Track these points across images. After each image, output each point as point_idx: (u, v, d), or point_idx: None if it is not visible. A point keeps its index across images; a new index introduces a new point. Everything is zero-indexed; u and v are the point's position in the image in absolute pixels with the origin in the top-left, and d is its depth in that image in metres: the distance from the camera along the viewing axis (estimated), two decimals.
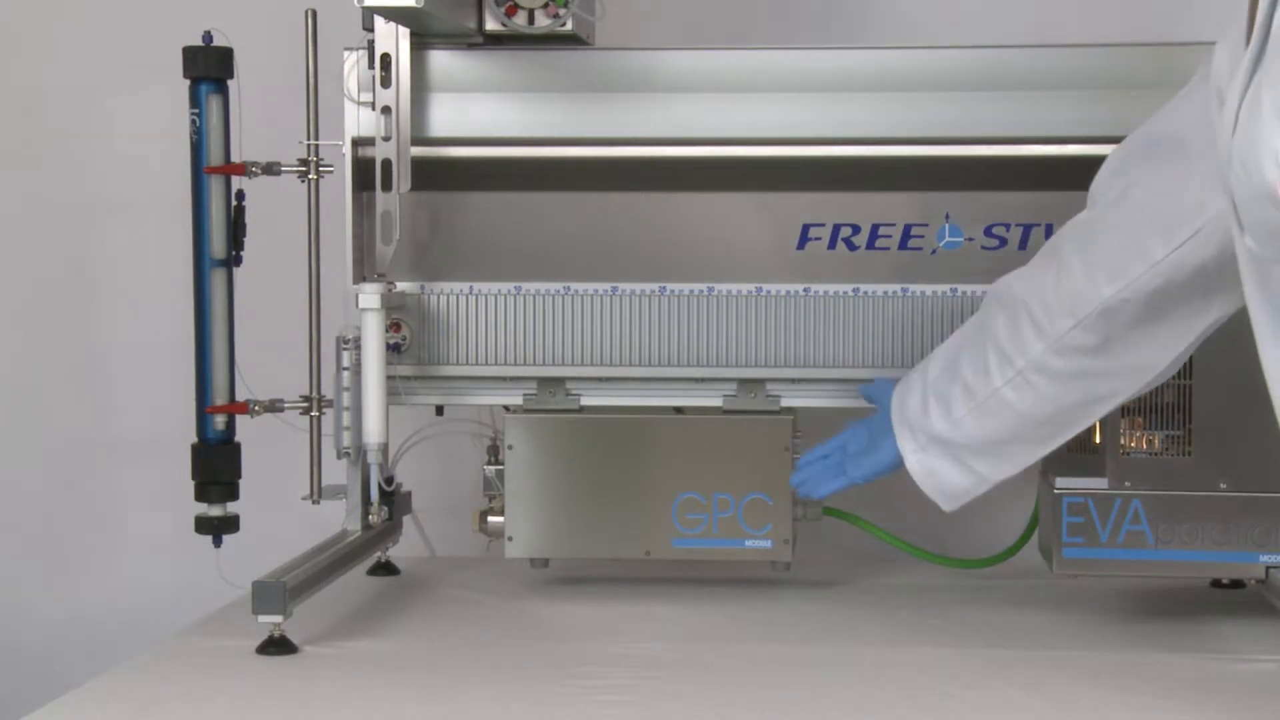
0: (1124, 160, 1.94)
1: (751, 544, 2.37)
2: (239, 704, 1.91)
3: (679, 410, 2.42)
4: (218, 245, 2.38)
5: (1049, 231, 2.27)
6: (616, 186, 2.38)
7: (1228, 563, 2.25)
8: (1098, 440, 2.25)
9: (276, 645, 2.08)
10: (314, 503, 2.41)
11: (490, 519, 2.44)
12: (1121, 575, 2.28)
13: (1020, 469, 2.10)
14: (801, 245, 2.36)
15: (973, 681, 1.99)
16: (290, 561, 2.18)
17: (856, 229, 2.35)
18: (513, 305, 2.39)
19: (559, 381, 2.41)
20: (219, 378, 2.39)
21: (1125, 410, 2.16)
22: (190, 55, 2.35)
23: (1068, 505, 2.25)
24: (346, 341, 2.35)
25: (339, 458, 2.38)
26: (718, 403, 2.40)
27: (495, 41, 2.37)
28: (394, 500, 2.48)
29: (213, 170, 2.36)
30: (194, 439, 2.40)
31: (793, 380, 2.39)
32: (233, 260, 2.39)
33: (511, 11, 2.31)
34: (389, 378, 2.34)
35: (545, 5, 2.30)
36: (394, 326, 2.39)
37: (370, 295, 2.30)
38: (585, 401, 2.41)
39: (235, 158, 2.37)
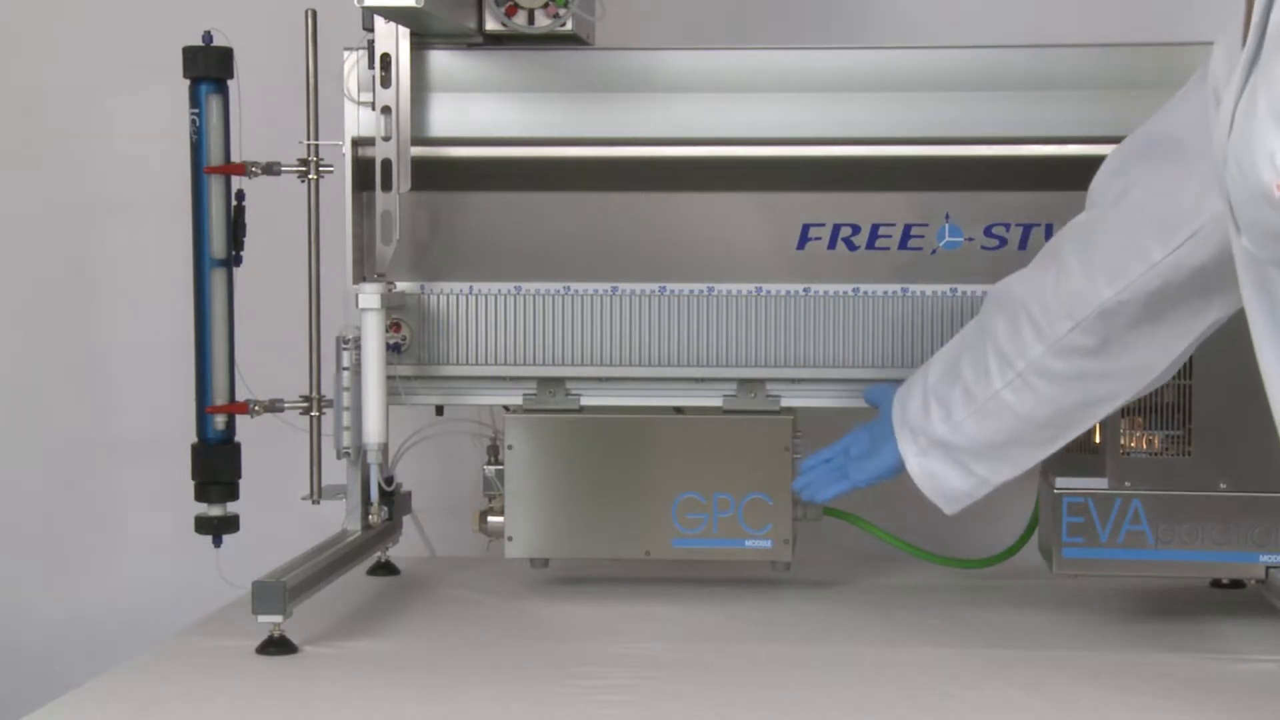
0: (1122, 161, 1.94)
1: (751, 544, 2.37)
2: (239, 704, 1.91)
3: (679, 410, 2.42)
4: (218, 245, 2.38)
5: (1049, 231, 2.27)
6: (616, 186, 2.38)
7: (1228, 563, 2.25)
8: (1098, 440, 2.25)
9: (276, 645, 2.08)
10: (314, 503, 2.41)
11: (490, 519, 2.44)
12: (1121, 575, 2.28)
13: (1021, 471, 2.10)
14: (801, 245, 2.36)
15: (973, 681, 1.99)
16: (290, 561, 2.18)
17: (856, 229, 2.35)
18: (513, 305, 2.39)
19: (559, 381, 2.41)
20: (219, 378, 2.39)
21: (1125, 410, 2.16)
22: (190, 55, 2.35)
23: (1068, 505, 2.25)
24: (346, 341, 2.35)
25: (339, 458, 2.38)
26: (718, 403, 2.40)
27: (495, 41, 2.37)
28: (394, 500, 2.48)
29: (213, 170, 2.36)
30: (194, 439, 2.40)
31: (793, 380, 2.39)
32: (233, 260, 2.39)
33: (511, 11, 2.31)
34: (389, 378, 2.34)
35: (545, 5, 2.30)
36: (394, 326, 2.39)
37: (370, 295, 2.30)
38: (585, 401, 2.41)
39: (235, 158, 2.37)
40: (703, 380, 2.39)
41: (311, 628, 2.17)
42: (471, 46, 2.37)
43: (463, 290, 2.40)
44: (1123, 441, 2.25)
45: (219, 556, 2.37)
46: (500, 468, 2.41)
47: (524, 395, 2.41)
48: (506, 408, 2.42)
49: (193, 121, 2.36)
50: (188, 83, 2.36)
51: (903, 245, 2.35)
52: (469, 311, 2.40)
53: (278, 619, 2.07)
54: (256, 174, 2.36)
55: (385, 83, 2.32)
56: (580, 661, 2.06)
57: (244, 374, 2.41)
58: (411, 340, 2.40)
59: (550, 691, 1.94)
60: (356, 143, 2.38)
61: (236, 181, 2.38)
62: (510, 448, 2.39)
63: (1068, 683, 1.98)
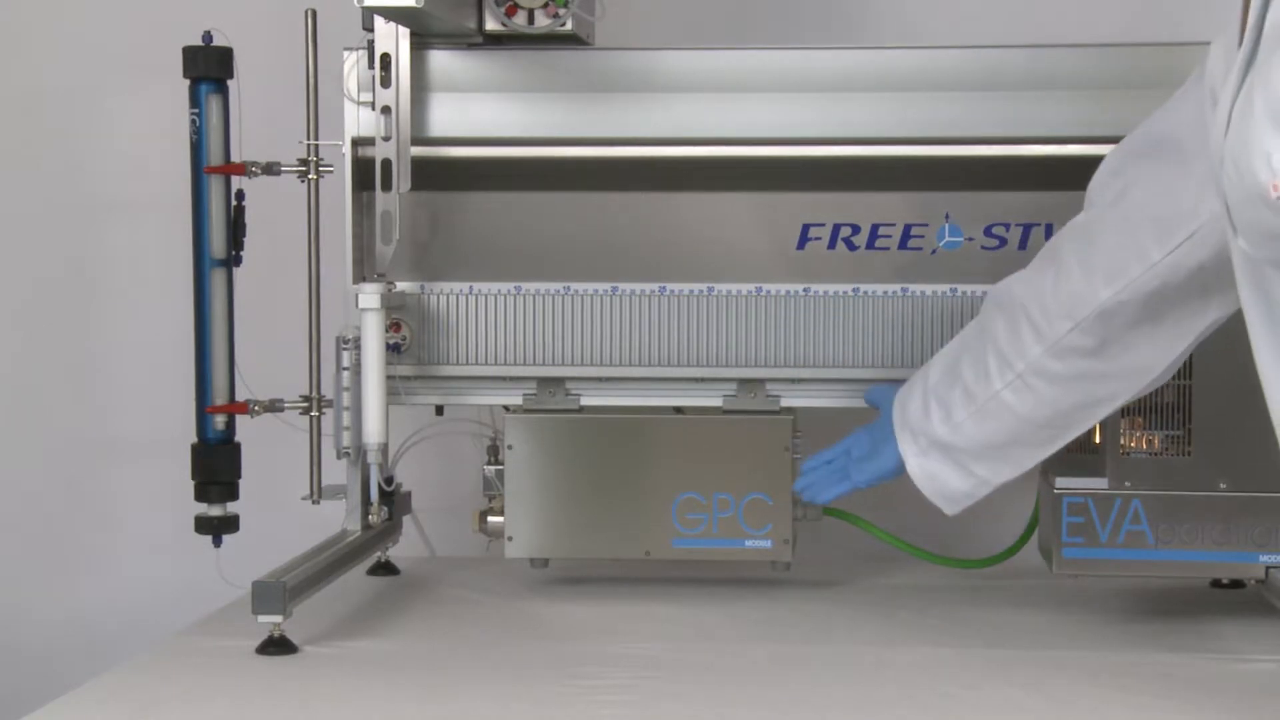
0: (1121, 161, 1.94)
1: (751, 544, 2.37)
2: (239, 704, 1.91)
3: (679, 410, 2.42)
4: (218, 245, 2.38)
5: (1049, 231, 2.27)
6: (616, 186, 2.38)
7: (1228, 563, 2.25)
8: (1098, 440, 2.25)
9: (276, 645, 2.08)
10: (314, 503, 2.41)
11: (490, 519, 2.44)
12: (1121, 575, 2.28)
13: (1021, 471, 2.10)
14: (801, 245, 2.36)
15: (973, 681, 1.99)
16: (290, 561, 2.18)
17: (856, 229, 2.35)
18: (513, 305, 2.39)
19: (559, 381, 2.41)
20: (219, 378, 2.39)
21: (1125, 410, 2.16)
22: (190, 55, 2.35)
23: (1068, 505, 2.25)
24: (346, 341, 2.35)
25: (339, 458, 2.38)
26: (718, 403, 2.40)
27: (495, 41, 2.37)
28: (394, 500, 2.48)
29: (213, 170, 2.36)
30: (194, 439, 2.40)
31: (793, 380, 2.39)
32: (233, 260, 2.39)
33: (511, 11, 2.31)
34: (389, 378, 2.34)
35: (545, 5, 2.30)
36: (394, 326, 2.39)
37: (370, 295, 2.30)
38: (585, 401, 2.41)
39: (235, 158, 2.37)
40: (703, 380, 2.39)
41: (311, 628, 2.17)
42: (471, 46, 2.37)
43: (463, 290, 2.40)
44: (1123, 441, 2.25)
45: (219, 556, 2.37)
46: (500, 468, 2.41)
47: (524, 395, 2.41)
48: (506, 408, 2.42)
49: (193, 121, 2.36)
50: (188, 83, 2.36)
51: (903, 245, 2.35)
52: (469, 311, 2.40)
53: (278, 619, 2.07)
54: (256, 174, 2.36)
55: (385, 83, 2.32)
56: (580, 661, 2.06)
57: (244, 374, 2.41)
58: (411, 340, 2.40)
59: (550, 691, 1.94)
60: (356, 143, 2.38)
61: (236, 181, 2.38)
62: (510, 448, 2.39)
63: (1068, 683, 1.98)
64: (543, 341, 2.39)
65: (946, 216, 2.34)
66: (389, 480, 2.43)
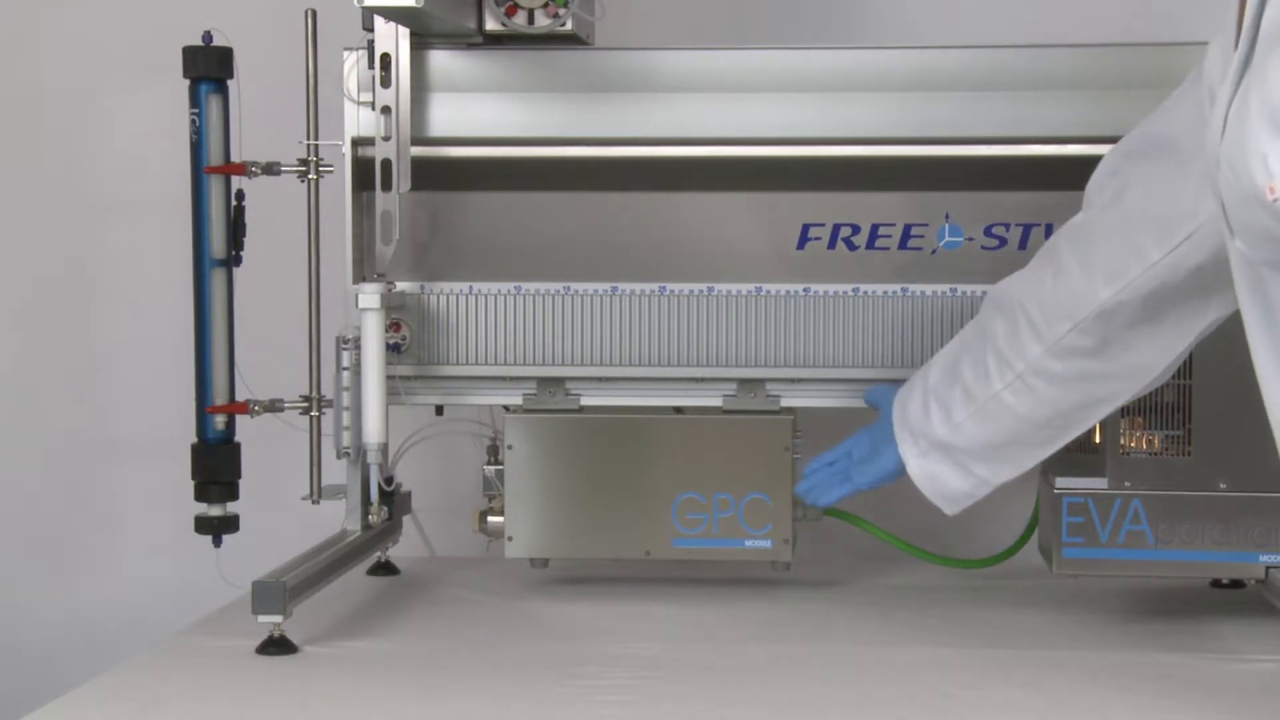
0: (1119, 161, 1.93)
1: (751, 544, 2.37)
2: (239, 704, 1.91)
3: (679, 410, 2.42)
4: (218, 245, 2.38)
5: (1049, 231, 2.27)
6: (616, 186, 2.38)
7: (1228, 563, 2.25)
8: (1098, 440, 2.25)
9: (276, 645, 2.08)
10: (314, 503, 2.41)
11: (490, 519, 2.44)
12: (1121, 575, 2.28)
13: (1022, 472, 2.10)
14: (801, 245, 2.36)
15: (973, 681, 1.99)
16: (290, 561, 2.18)
17: (856, 229, 2.35)
18: (513, 305, 2.39)
19: (559, 381, 2.41)
20: (219, 378, 2.39)
21: (1125, 410, 2.16)
22: (190, 55, 2.35)
23: (1068, 505, 2.25)
24: (346, 341, 2.35)
25: (339, 458, 2.38)
26: (718, 403, 2.40)
27: (495, 41, 2.37)
28: (394, 500, 2.48)
29: (213, 170, 2.36)
30: (194, 439, 2.40)
31: (793, 380, 2.39)
32: (233, 260, 2.39)
33: (511, 11, 2.31)
34: (389, 378, 2.34)
35: (545, 5, 2.30)
36: (394, 326, 2.39)
37: (370, 295, 2.30)
38: (585, 401, 2.41)
39: (235, 158, 2.37)
40: (703, 380, 2.39)
41: (311, 628, 2.17)
42: (471, 46, 2.37)
43: (463, 290, 2.40)
44: (1123, 441, 2.25)
45: (219, 556, 2.37)
46: (500, 468, 2.41)
47: (524, 395, 2.41)
48: (506, 408, 2.42)
49: (193, 121, 2.36)
50: (188, 83, 2.36)
51: (903, 245, 2.35)
52: (469, 311, 2.40)
53: (278, 619, 2.07)
54: (256, 174, 2.36)
55: (385, 83, 2.32)
56: (580, 661, 2.06)
57: (244, 374, 2.41)
58: (411, 340, 2.40)
59: (550, 691, 1.94)
60: (356, 143, 2.38)
61: (236, 181, 2.38)
62: (510, 448, 2.39)
63: (1068, 683, 1.98)
64: (543, 341, 2.39)
65: (946, 216, 2.34)
66: (389, 480, 2.43)
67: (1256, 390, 1.63)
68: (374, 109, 2.32)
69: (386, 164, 2.32)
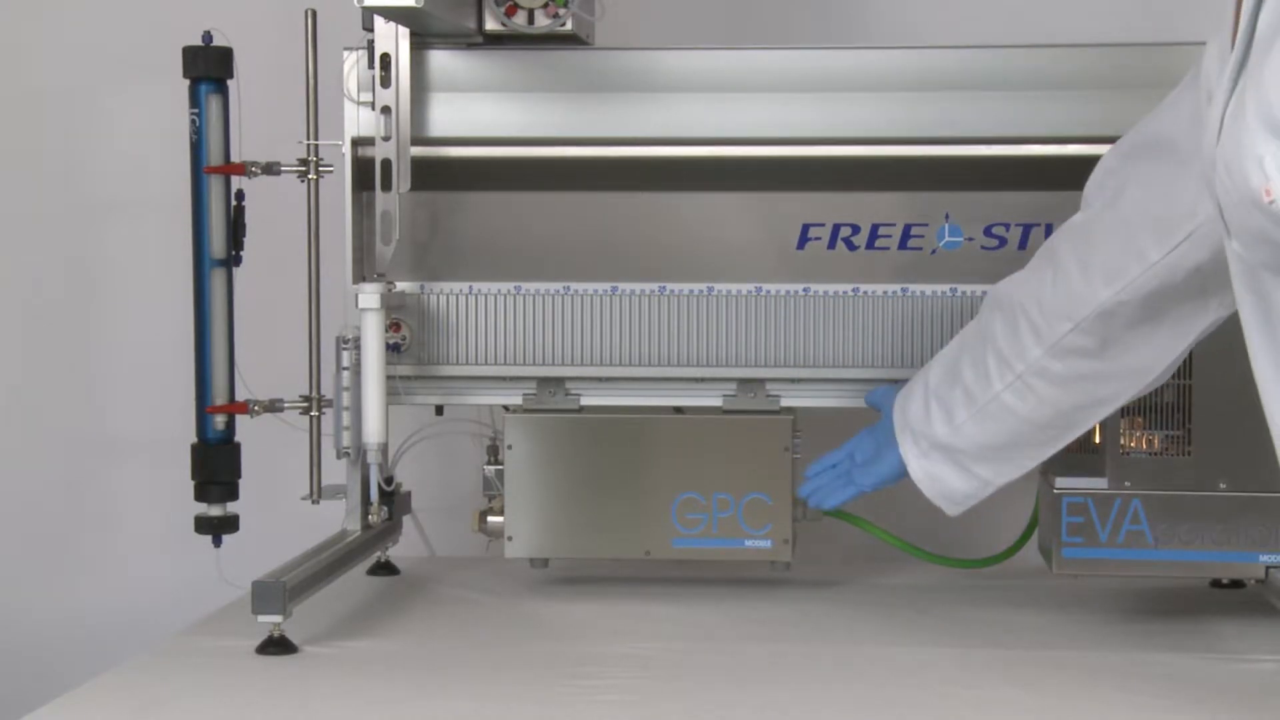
0: (1118, 161, 1.93)
1: (751, 544, 2.37)
2: (239, 704, 1.91)
3: (679, 410, 2.42)
4: (217, 245, 2.38)
5: (1049, 231, 2.27)
6: (616, 186, 2.38)
7: (1228, 563, 2.25)
8: (1098, 440, 2.25)
9: (276, 645, 2.08)
10: (314, 503, 2.41)
11: (490, 519, 2.44)
12: (1121, 575, 2.28)
13: (1023, 472, 2.10)
14: (801, 245, 2.36)
15: (973, 681, 1.99)
16: (290, 561, 2.18)
17: (856, 229, 2.35)
18: (512, 305, 2.39)
19: (559, 381, 2.41)
20: (219, 378, 2.39)
21: (1125, 410, 2.16)
22: (190, 55, 2.35)
23: (1067, 505, 2.25)
24: (346, 341, 2.35)
25: (339, 458, 2.38)
26: (717, 403, 2.40)
27: (495, 41, 2.37)
28: (394, 500, 2.48)
29: (212, 170, 2.36)
30: (194, 439, 2.40)
31: (793, 380, 2.39)
32: (232, 260, 2.39)
33: (511, 11, 2.31)
34: (389, 378, 2.34)
35: (545, 5, 2.30)
36: (394, 326, 2.39)
37: (370, 295, 2.30)
38: (585, 401, 2.41)
39: (235, 158, 2.37)
40: (702, 380, 2.39)
41: (311, 628, 2.17)
42: (471, 46, 2.37)
43: (462, 290, 2.40)
44: (1123, 441, 2.25)
45: (219, 556, 2.37)
46: (500, 468, 2.41)
47: (524, 395, 2.41)
48: (506, 408, 2.42)
49: (192, 121, 2.36)
50: (188, 83, 2.36)
51: (903, 245, 2.35)
52: (469, 311, 2.40)
53: (278, 619, 2.07)
54: (256, 174, 2.36)
55: (385, 83, 2.32)
56: (580, 661, 2.06)
57: (244, 374, 2.41)
58: (411, 340, 2.40)
59: (550, 691, 1.94)
60: (356, 143, 2.38)
61: (236, 181, 2.38)
62: (510, 448, 2.39)
63: (1068, 683, 1.98)
64: (542, 341, 2.39)
65: (946, 216, 2.34)
66: (389, 480, 2.43)
67: (1256, 390, 1.63)
68: (374, 109, 2.32)
69: (386, 164, 2.32)
